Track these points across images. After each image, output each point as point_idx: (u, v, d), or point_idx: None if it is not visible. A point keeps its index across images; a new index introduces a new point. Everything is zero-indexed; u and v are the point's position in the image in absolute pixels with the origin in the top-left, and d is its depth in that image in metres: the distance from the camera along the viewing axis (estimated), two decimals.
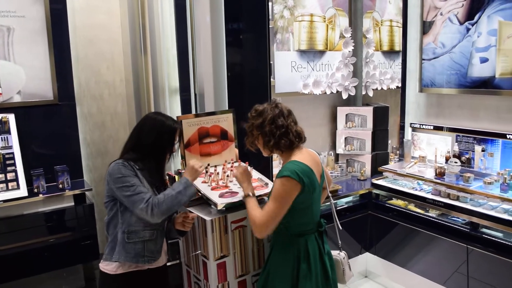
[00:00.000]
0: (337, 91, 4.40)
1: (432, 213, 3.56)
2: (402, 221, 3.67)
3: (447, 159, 3.72)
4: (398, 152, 4.54)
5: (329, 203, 2.60)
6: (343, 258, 2.55)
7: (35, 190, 3.06)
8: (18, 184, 2.97)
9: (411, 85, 4.30)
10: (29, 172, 3.09)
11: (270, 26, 3.62)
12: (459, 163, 3.51)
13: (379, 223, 3.88)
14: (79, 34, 3.68)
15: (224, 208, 2.44)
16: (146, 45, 3.55)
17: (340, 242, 2.61)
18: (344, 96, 4.45)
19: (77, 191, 3.19)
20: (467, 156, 3.75)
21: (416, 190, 3.71)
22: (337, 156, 4.54)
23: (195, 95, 3.66)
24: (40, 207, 3.08)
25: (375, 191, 3.98)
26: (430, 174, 3.72)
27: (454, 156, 3.69)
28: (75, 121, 3.44)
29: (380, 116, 4.35)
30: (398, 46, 4.92)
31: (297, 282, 2.29)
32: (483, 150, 3.65)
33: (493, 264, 3.03)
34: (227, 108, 3.29)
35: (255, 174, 2.82)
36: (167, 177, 2.67)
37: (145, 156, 2.32)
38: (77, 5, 3.64)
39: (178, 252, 2.91)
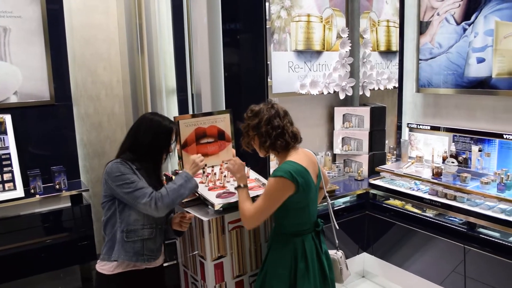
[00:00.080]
0: (334, 91, 4.40)
1: (429, 213, 3.57)
2: (399, 221, 3.67)
3: (444, 159, 3.72)
4: (395, 152, 4.54)
5: (326, 203, 2.60)
6: (340, 258, 2.56)
7: (32, 191, 3.06)
8: (14, 185, 2.97)
9: (408, 85, 4.30)
10: (25, 172, 3.09)
11: (267, 27, 3.62)
12: (456, 163, 3.52)
13: (377, 223, 3.89)
14: (76, 34, 3.68)
15: (221, 209, 2.44)
16: (143, 45, 3.54)
17: (337, 241, 2.61)
18: (341, 96, 4.46)
19: (74, 192, 3.18)
20: (464, 156, 3.75)
21: (413, 190, 3.72)
22: (334, 156, 4.54)
23: (192, 95, 3.67)
24: (36, 208, 3.07)
25: (372, 191, 3.98)
26: (427, 174, 3.73)
27: (451, 156, 3.69)
28: (71, 121, 3.44)
29: (377, 116, 4.35)
30: (395, 46, 4.93)
31: (294, 282, 2.30)
32: (480, 150, 3.65)
33: (490, 264, 3.04)
34: (224, 109, 3.29)
35: (253, 175, 2.82)
36: (164, 177, 2.67)
37: (142, 156, 2.32)
38: (74, 5, 3.64)
39: (175, 252, 2.91)
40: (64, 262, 3.18)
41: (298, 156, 2.30)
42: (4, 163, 2.99)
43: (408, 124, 4.32)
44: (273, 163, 3.51)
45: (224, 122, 2.88)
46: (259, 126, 2.30)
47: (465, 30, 3.68)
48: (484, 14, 3.52)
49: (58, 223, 3.13)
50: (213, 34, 3.36)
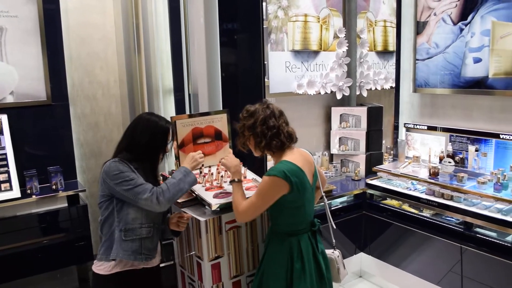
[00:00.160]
0: (331, 91, 4.40)
1: (426, 213, 3.57)
2: (396, 221, 3.68)
3: (441, 159, 3.73)
4: (392, 152, 4.55)
5: (323, 203, 2.60)
6: (337, 257, 2.56)
7: (28, 191, 3.05)
8: (11, 185, 2.96)
9: (405, 85, 4.31)
10: (22, 173, 3.08)
11: (264, 26, 3.62)
12: (452, 163, 3.52)
13: (374, 223, 3.89)
14: (73, 34, 3.67)
15: (218, 209, 2.44)
16: (140, 45, 3.54)
17: (334, 241, 2.61)
18: (338, 96, 4.46)
19: (70, 192, 3.18)
20: (460, 156, 3.76)
21: (410, 190, 3.72)
22: (331, 156, 4.55)
23: (189, 95, 3.66)
24: (33, 208, 3.06)
25: (370, 191, 3.98)
26: (424, 174, 3.73)
27: (448, 156, 3.70)
28: (68, 121, 3.43)
29: (374, 116, 4.35)
30: (392, 46, 4.94)
31: (291, 282, 2.30)
32: (476, 150, 3.66)
33: (487, 264, 3.04)
34: (221, 109, 3.29)
35: (250, 175, 2.82)
36: (161, 177, 2.67)
37: (139, 156, 2.33)
38: (70, 4, 3.63)
39: (172, 253, 2.91)
40: (61, 263, 3.17)
41: (293, 156, 2.30)
42: (0, 163, 2.98)
43: (405, 124, 4.33)
44: (270, 163, 3.50)
45: (221, 122, 2.88)
46: (254, 126, 2.31)
47: (461, 30, 3.68)
48: (480, 14, 3.53)
49: (54, 223, 3.12)
50: (210, 34, 3.36)
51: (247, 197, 2.32)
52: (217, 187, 2.62)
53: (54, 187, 3.14)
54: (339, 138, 4.45)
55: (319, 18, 4.23)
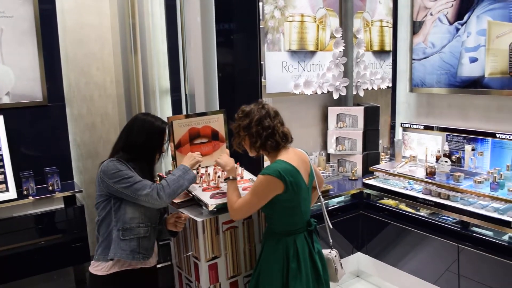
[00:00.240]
0: (328, 91, 4.41)
1: (423, 212, 3.58)
2: (393, 220, 3.68)
3: (437, 159, 3.74)
4: (389, 152, 4.55)
5: (320, 203, 2.61)
6: (335, 257, 2.56)
7: (25, 192, 3.04)
8: (7, 187, 2.95)
9: (401, 85, 4.32)
10: (18, 174, 3.07)
11: (260, 27, 3.62)
12: (449, 163, 3.53)
13: (371, 223, 3.89)
14: (69, 35, 3.66)
15: (215, 209, 2.43)
16: (137, 45, 3.53)
17: (331, 240, 2.62)
18: (335, 96, 4.46)
19: (67, 193, 3.17)
20: (457, 155, 3.77)
21: (407, 189, 3.73)
22: (328, 156, 4.55)
23: (186, 95, 3.66)
24: (29, 210, 3.05)
25: (366, 190, 3.99)
26: (420, 173, 3.74)
27: (445, 155, 3.71)
28: (65, 122, 3.42)
29: (371, 116, 4.36)
30: (388, 46, 4.95)
31: (287, 281, 2.30)
32: (473, 149, 3.67)
33: (484, 263, 3.05)
34: (218, 109, 3.28)
35: (247, 175, 2.82)
36: (158, 178, 2.67)
37: (136, 157, 2.34)
38: (67, 5, 3.62)
39: (169, 253, 2.90)
40: (57, 264, 3.16)
41: (289, 156, 2.32)
42: None
43: (401, 123, 4.33)
44: (267, 164, 3.50)
45: (218, 123, 2.87)
46: (249, 126, 2.32)
47: (458, 30, 3.69)
48: (476, 14, 3.53)
49: (51, 224, 3.11)
50: (207, 34, 3.36)
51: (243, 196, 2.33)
52: (214, 187, 2.62)
53: (50, 188, 3.13)
54: (336, 138, 4.45)
55: (315, 18, 4.23)
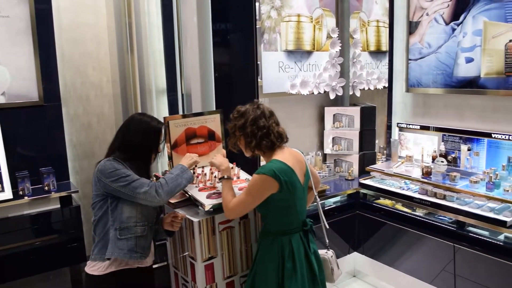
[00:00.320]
0: (325, 91, 4.41)
1: (419, 212, 3.59)
2: (390, 220, 3.69)
3: (433, 159, 3.75)
4: (385, 152, 4.56)
5: (316, 203, 2.61)
6: (331, 257, 2.56)
7: (20, 193, 3.03)
8: (2, 187, 2.94)
9: (397, 85, 4.32)
10: (14, 174, 3.06)
11: (257, 27, 3.62)
12: (445, 162, 3.54)
13: (367, 223, 3.90)
14: (65, 34, 3.65)
15: (211, 209, 2.43)
16: (133, 44, 3.53)
17: (327, 241, 2.62)
18: (332, 96, 4.47)
19: (63, 193, 3.16)
20: (453, 155, 3.78)
21: (403, 189, 3.73)
22: (324, 156, 4.55)
23: (182, 95, 3.66)
24: (25, 210, 3.04)
25: (363, 190, 3.99)
26: (417, 173, 3.75)
27: (441, 155, 3.72)
28: (61, 122, 3.40)
29: (367, 116, 4.36)
30: (384, 47, 4.95)
31: (282, 281, 2.31)
32: (469, 149, 3.68)
33: (480, 262, 3.06)
34: (214, 109, 3.28)
35: (243, 175, 2.82)
36: (155, 178, 2.66)
37: (132, 156, 2.34)
38: (63, 4, 3.61)
39: (166, 254, 2.90)
40: (53, 264, 3.15)
41: (284, 156, 2.33)
42: None
43: (398, 123, 4.34)
44: (263, 163, 3.50)
45: (214, 123, 2.87)
46: (244, 126, 2.33)
47: (454, 30, 3.70)
48: (472, 14, 3.54)
49: (47, 225, 3.10)
50: (203, 34, 3.36)
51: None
52: (210, 187, 2.62)
53: (46, 188, 3.12)
54: (333, 138, 4.46)
55: (312, 18, 4.24)
